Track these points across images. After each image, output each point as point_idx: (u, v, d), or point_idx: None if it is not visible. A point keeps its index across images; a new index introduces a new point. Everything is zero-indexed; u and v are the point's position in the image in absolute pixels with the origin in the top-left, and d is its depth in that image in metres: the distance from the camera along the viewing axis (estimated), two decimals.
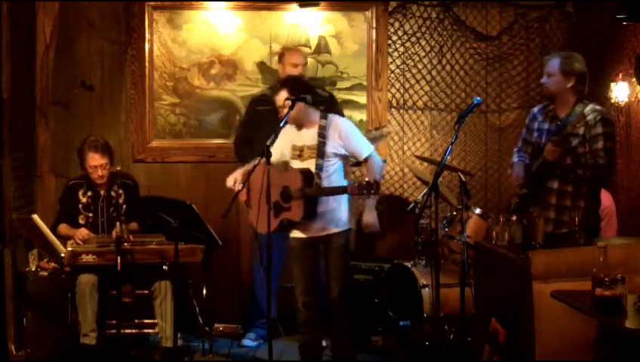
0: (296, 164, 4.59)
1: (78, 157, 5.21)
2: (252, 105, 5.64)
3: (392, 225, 6.09)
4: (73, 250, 4.92)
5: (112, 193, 5.19)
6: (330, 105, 5.30)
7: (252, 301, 5.64)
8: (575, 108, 4.39)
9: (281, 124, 4.51)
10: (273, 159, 4.41)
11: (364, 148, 4.61)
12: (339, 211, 4.58)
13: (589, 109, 4.39)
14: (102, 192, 5.21)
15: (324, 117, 4.61)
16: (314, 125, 4.58)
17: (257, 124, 5.48)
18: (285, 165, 4.68)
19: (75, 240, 5.05)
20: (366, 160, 4.62)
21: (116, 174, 5.16)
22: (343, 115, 5.27)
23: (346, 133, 4.58)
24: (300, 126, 4.63)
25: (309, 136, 4.59)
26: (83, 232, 5.07)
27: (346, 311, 4.62)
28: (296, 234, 4.63)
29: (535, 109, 4.68)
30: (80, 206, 5.21)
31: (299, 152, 4.61)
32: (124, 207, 5.19)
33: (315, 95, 4.80)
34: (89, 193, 5.22)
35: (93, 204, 5.20)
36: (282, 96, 4.56)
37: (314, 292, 4.66)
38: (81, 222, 5.19)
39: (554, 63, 4.44)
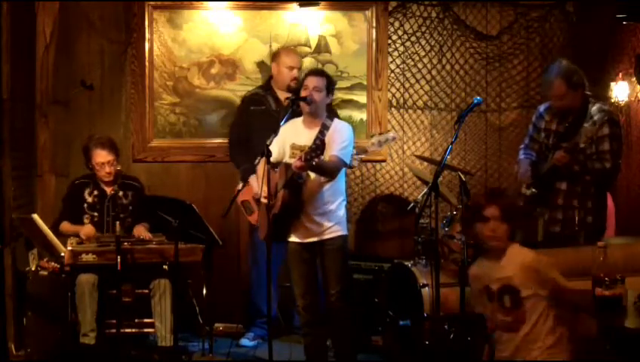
0: None
1: (83, 156, 5.23)
2: (245, 105, 5.60)
3: (392, 225, 6.10)
4: (73, 249, 4.92)
5: (119, 192, 5.18)
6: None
7: (250, 301, 5.64)
8: (582, 108, 4.38)
9: (282, 123, 4.51)
10: (272, 158, 4.40)
11: (338, 151, 4.43)
12: (337, 213, 4.56)
13: (596, 109, 4.38)
14: (108, 191, 5.22)
15: (330, 118, 4.58)
16: (318, 125, 4.54)
17: (251, 124, 5.44)
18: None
19: (81, 236, 5.06)
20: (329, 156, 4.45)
21: (121, 173, 5.18)
22: (337, 116, 5.27)
23: (336, 135, 4.49)
24: (309, 122, 4.58)
25: (310, 137, 4.53)
26: (88, 229, 5.08)
27: (345, 312, 4.62)
28: (293, 238, 4.60)
29: (541, 108, 4.67)
30: (85, 205, 5.21)
31: (299, 152, 4.56)
32: (130, 208, 5.19)
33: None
34: (95, 192, 5.21)
35: (99, 203, 5.20)
36: (311, 83, 4.52)
37: (313, 294, 4.65)
38: (86, 221, 5.19)
39: (559, 85, 4.39)
